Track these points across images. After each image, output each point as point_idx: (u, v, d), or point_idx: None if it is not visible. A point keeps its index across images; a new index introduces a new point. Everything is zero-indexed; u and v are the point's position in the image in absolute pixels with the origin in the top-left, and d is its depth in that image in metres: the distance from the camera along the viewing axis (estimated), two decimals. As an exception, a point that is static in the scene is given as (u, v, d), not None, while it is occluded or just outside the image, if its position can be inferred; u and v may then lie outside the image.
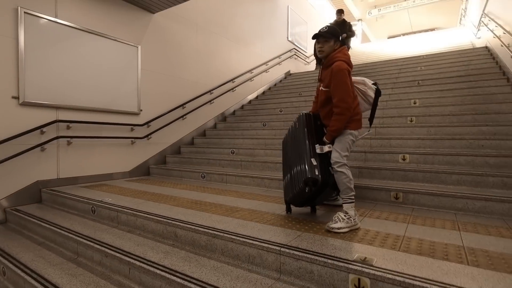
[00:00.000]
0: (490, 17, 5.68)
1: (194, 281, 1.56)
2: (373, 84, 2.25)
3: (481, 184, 2.55)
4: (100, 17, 4.01)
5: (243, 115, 6.28)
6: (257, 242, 1.70)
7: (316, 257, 1.49)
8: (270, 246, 1.65)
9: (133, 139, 4.42)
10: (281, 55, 8.57)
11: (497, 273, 1.32)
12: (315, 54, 2.54)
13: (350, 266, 1.39)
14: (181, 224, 2.06)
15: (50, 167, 3.54)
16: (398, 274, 1.30)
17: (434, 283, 1.23)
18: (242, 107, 6.81)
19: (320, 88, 2.21)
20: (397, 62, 6.73)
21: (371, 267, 1.37)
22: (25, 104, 3.29)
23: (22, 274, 1.93)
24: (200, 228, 1.96)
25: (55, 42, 3.51)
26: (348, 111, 1.98)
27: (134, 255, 1.88)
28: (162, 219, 2.18)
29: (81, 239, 2.19)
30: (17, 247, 2.39)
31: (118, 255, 1.91)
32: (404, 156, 3.17)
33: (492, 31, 5.46)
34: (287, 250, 1.59)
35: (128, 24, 4.38)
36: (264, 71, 7.70)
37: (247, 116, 6.12)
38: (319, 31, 2.10)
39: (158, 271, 1.67)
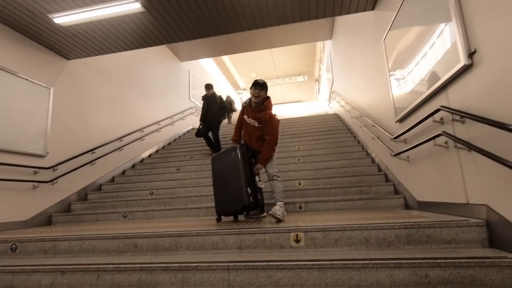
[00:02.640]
0: (335, 94, 8.33)
1: (172, 264, 1.89)
2: None
3: (348, 193, 3.83)
4: (13, 55, 3.89)
5: (153, 162, 6.44)
6: (219, 231, 2.20)
7: (267, 229, 2.14)
8: (231, 231, 2.19)
9: (35, 183, 3.99)
10: (184, 111, 9.36)
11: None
12: (245, 103, 3.13)
13: (290, 228, 2.11)
14: (142, 233, 2.31)
15: None
16: (318, 227, 2.10)
17: (330, 226, 2.08)
18: (150, 155, 6.96)
19: (255, 125, 2.96)
20: (280, 122, 8.58)
21: (302, 227, 2.12)
22: None
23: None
24: (164, 232, 2.28)
25: (-43, 73, 3.21)
26: (276, 144, 2.98)
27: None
28: (118, 234, 2.34)
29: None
30: None
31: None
32: (299, 181, 4.29)
33: (338, 103, 7.99)
34: (246, 229, 2.17)
35: (42, 66, 4.32)
36: (170, 124, 8.22)
37: (158, 163, 6.33)
38: (256, 81, 2.90)
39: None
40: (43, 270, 2.04)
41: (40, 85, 4.22)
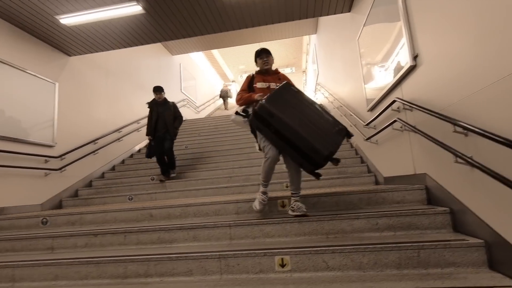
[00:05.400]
0: (320, 86, 8.87)
1: (185, 224, 2.39)
2: None
3: (328, 173, 4.38)
4: (21, 52, 4.22)
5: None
6: (221, 200, 2.72)
7: (259, 196, 2.67)
8: (229, 201, 2.71)
9: (47, 171, 4.39)
10: (177, 103, 9.69)
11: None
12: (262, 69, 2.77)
13: (278, 196, 2.64)
14: (156, 205, 2.80)
15: (-42, 197, 3.26)
16: (300, 195, 2.64)
17: (308, 194, 2.62)
18: (146, 146, 7.36)
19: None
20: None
21: (287, 196, 2.66)
22: None
23: None
24: (174, 204, 2.78)
25: (-24, 71, 3.55)
26: None
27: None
28: (135, 207, 2.83)
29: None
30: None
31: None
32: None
33: (323, 94, 8.54)
34: (241, 199, 2.69)
35: (47, 63, 4.66)
36: (163, 116, 8.57)
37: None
38: (261, 49, 2.78)
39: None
40: (77, 234, 2.51)
41: (47, 80, 4.56)
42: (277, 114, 2.22)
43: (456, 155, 1.85)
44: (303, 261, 1.85)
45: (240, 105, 2.66)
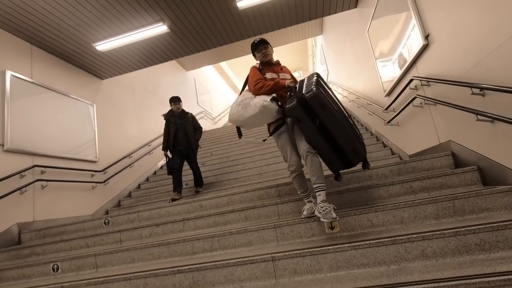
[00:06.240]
0: (331, 83, 9.13)
1: (236, 206, 2.68)
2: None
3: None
4: (64, 80, 4.72)
5: (178, 162, 7.25)
6: (261, 187, 3.00)
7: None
8: (271, 186, 2.98)
9: (94, 184, 4.81)
10: (195, 115, 10.17)
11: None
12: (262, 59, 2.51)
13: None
14: (205, 197, 3.11)
15: (27, 210, 3.68)
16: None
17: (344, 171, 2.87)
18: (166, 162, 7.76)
19: (287, 78, 2.41)
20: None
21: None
22: (9, 151, 3.58)
23: None
24: (221, 194, 3.08)
25: (31, 98, 4.03)
26: None
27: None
28: (186, 200, 3.14)
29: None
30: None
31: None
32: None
33: (335, 91, 8.78)
34: (282, 182, 2.96)
35: (85, 87, 5.15)
36: (185, 128, 9.02)
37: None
38: (257, 40, 2.48)
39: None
40: (141, 226, 2.84)
41: (86, 102, 5.04)
42: (328, 105, 2.01)
43: (478, 114, 2.07)
44: (350, 222, 2.09)
45: (264, 92, 2.27)
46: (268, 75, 2.42)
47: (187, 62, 9.98)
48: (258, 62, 2.56)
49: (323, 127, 2.03)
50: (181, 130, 4.61)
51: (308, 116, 2.05)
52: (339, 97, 8.37)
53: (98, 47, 4.57)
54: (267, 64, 2.52)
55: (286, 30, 8.62)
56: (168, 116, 4.79)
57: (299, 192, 2.35)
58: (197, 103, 10.90)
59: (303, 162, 2.29)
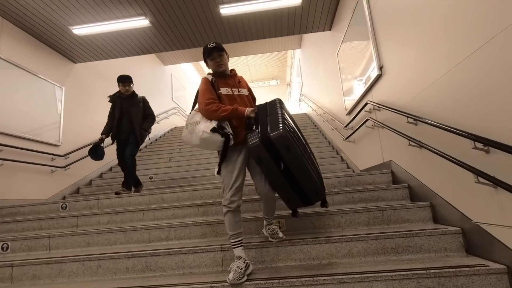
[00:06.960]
0: (304, 96, 9.57)
1: (196, 202, 2.84)
2: None
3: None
4: (34, 59, 4.59)
5: (146, 155, 7.20)
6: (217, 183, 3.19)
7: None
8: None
9: (53, 168, 4.69)
10: (168, 111, 10.13)
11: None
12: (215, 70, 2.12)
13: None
14: (167, 191, 3.23)
15: (-23, 188, 3.54)
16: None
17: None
18: (140, 149, 7.68)
19: (245, 94, 2.13)
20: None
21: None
22: (-35, 124, 3.44)
23: None
24: (183, 189, 3.22)
25: (-4, 73, 3.90)
26: None
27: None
28: (148, 192, 3.24)
29: (84, 212, 2.90)
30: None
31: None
32: (275, 164, 5.35)
33: (307, 103, 9.23)
34: (241, 183, 3.18)
35: (56, 68, 5.03)
36: (156, 122, 8.95)
37: (150, 156, 7.11)
38: (210, 46, 2.03)
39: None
40: (100, 213, 2.90)
41: (55, 84, 4.93)
42: (294, 149, 1.77)
43: (409, 140, 2.45)
44: (295, 222, 2.35)
45: (218, 119, 1.90)
46: (223, 90, 2.04)
47: (166, 56, 9.94)
48: (211, 71, 2.17)
49: (287, 170, 1.82)
50: (127, 116, 3.90)
51: (272, 157, 1.79)
52: (309, 110, 8.81)
53: (75, 31, 4.52)
54: (221, 76, 2.11)
55: (267, 41, 8.94)
56: (114, 98, 3.99)
57: (230, 234, 1.86)
58: (172, 98, 10.84)
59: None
